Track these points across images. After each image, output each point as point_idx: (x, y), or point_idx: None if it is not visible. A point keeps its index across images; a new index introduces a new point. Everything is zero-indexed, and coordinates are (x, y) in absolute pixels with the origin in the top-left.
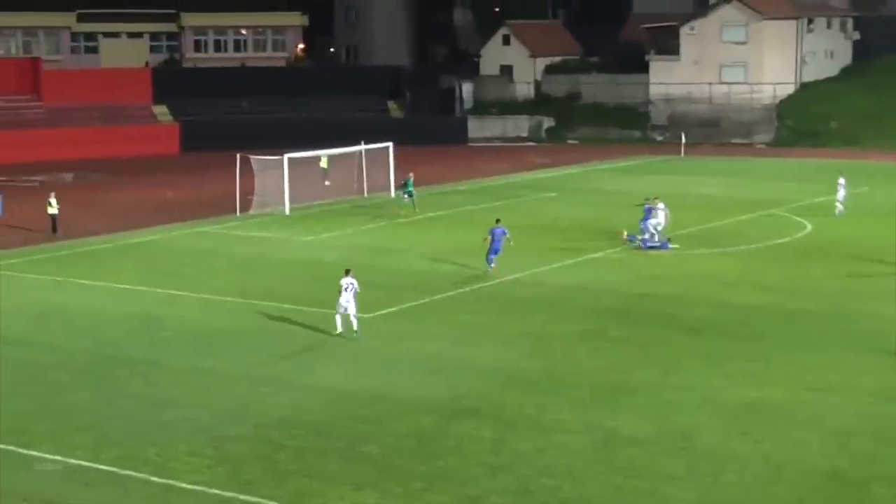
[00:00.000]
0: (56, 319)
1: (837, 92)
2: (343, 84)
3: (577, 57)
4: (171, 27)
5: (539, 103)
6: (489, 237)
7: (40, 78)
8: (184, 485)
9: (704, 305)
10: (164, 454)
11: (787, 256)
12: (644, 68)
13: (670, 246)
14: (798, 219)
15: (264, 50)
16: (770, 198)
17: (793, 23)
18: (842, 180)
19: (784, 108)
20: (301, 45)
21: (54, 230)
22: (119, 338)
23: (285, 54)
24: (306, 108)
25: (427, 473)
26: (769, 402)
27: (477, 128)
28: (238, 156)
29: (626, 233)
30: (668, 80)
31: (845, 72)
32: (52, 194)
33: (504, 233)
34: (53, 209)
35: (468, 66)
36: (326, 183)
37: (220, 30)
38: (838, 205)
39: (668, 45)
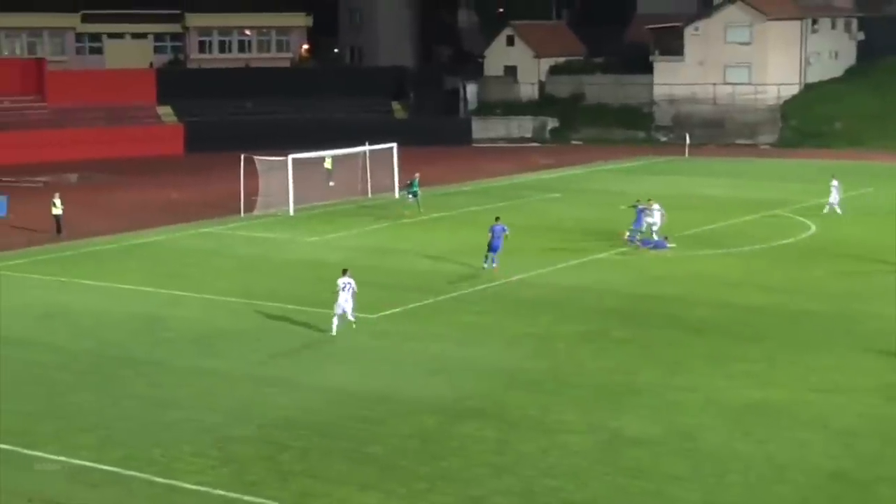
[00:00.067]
0: (60, 320)
1: (842, 92)
2: (347, 85)
3: (581, 57)
4: (175, 28)
5: (543, 104)
6: (489, 235)
7: (45, 78)
8: (188, 485)
9: (708, 306)
10: (168, 455)
11: (791, 257)
12: (648, 69)
13: (668, 245)
14: (802, 219)
15: (268, 51)
16: (774, 198)
17: (797, 23)
18: (835, 182)
19: (788, 108)
20: (305, 46)
21: (58, 231)
22: (123, 338)
23: (290, 55)
24: (310, 108)
25: (431, 474)
26: (773, 403)
27: (481, 128)
28: (242, 156)
29: (627, 233)
30: (672, 80)
31: (850, 72)
32: (57, 195)
33: (504, 230)
34: (57, 210)
35: (472, 66)
36: (331, 184)
37: (224, 30)
38: (828, 206)
39: (673, 46)
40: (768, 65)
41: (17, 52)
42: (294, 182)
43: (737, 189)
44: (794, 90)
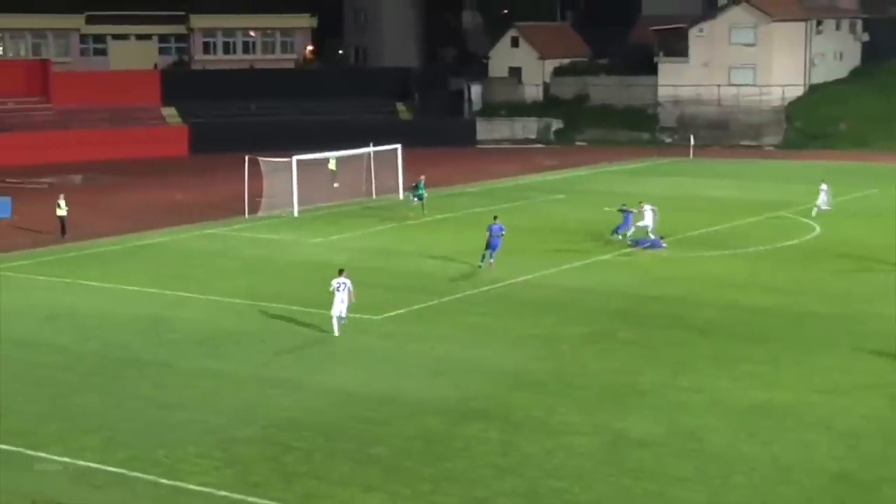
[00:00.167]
0: (65, 321)
1: (846, 94)
2: (352, 86)
3: (586, 59)
4: (179, 29)
5: (547, 105)
6: (486, 234)
7: (49, 80)
8: (192, 486)
9: (713, 307)
10: (173, 456)
11: (795, 258)
12: (653, 70)
13: (663, 244)
14: (806, 221)
15: (273, 52)
16: (779, 200)
17: (801, 24)
18: (824, 186)
19: (793, 109)
20: (310, 47)
21: (63, 232)
22: (127, 339)
23: (294, 56)
24: (315, 110)
25: (435, 475)
26: (778, 404)
27: (485, 130)
28: (247, 158)
29: (632, 229)
30: (676, 81)
31: (854, 73)
32: (61, 196)
33: (501, 229)
34: (62, 211)
35: (477, 67)
36: (335, 185)
37: (228, 32)
38: (815, 209)
39: (677, 47)
40: (773, 66)
41: (22, 53)
42: (298, 183)
43: (741, 190)
44: (799, 91)
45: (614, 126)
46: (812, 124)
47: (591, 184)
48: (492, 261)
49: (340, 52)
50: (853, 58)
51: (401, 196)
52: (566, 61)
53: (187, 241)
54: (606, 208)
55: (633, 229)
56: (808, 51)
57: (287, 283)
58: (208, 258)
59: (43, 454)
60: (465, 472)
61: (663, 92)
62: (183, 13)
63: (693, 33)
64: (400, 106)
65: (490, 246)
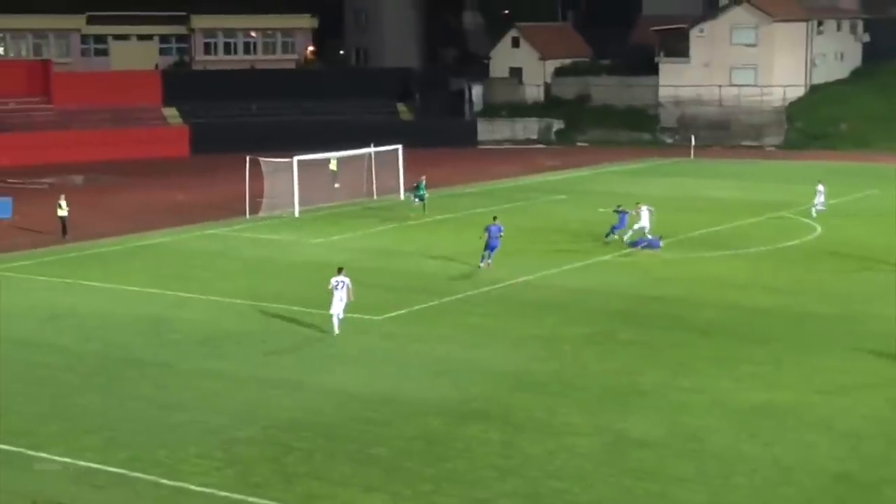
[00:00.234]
0: (66, 321)
1: (847, 94)
2: (352, 86)
3: (587, 59)
4: (180, 29)
5: (549, 106)
6: (485, 234)
7: (50, 80)
8: (193, 487)
9: (714, 308)
10: (174, 456)
11: (796, 259)
12: (654, 70)
13: (660, 244)
14: (807, 221)
15: (274, 52)
16: (780, 200)
17: (803, 25)
18: (820, 187)
19: (794, 110)
20: (311, 48)
21: (64, 232)
22: (129, 340)
23: (295, 57)
24: (316, 110)
25: (436, 476)
26: (779, 405)
27: (486, 130)
28: (248, 158)
29: (629, 232)
30: (677, 82)
31: (855, 74)
32: (62, 196)
33: (500, 230)
34: (63, 211)
35: (478, 68)
36: (336, 185)
37: (229, 32)
38: (814, 210)
39: (678, 48)
40: (774, 66)
41: (23, 53)
42: (299, 184)
43: (742, 191)
44: (800, 92)
45: (615, 126)
46: (813, 125)
47: (593, 184)
48: (490, 261)
49: (341, 52)
50: (854, 58)
51: (402, 196)
52: (567, 62)
53: (188, 242)
54: (601, 209)
55: (630, 232)
56: (809, 51)
57: (288, 284)
58: (209, 258)
59: (44, 454)
60: (466, 473)
61: (664, 92)
62: (184, 13)
63: (694, 33)
64: (401, 106)
65: (489, 246)
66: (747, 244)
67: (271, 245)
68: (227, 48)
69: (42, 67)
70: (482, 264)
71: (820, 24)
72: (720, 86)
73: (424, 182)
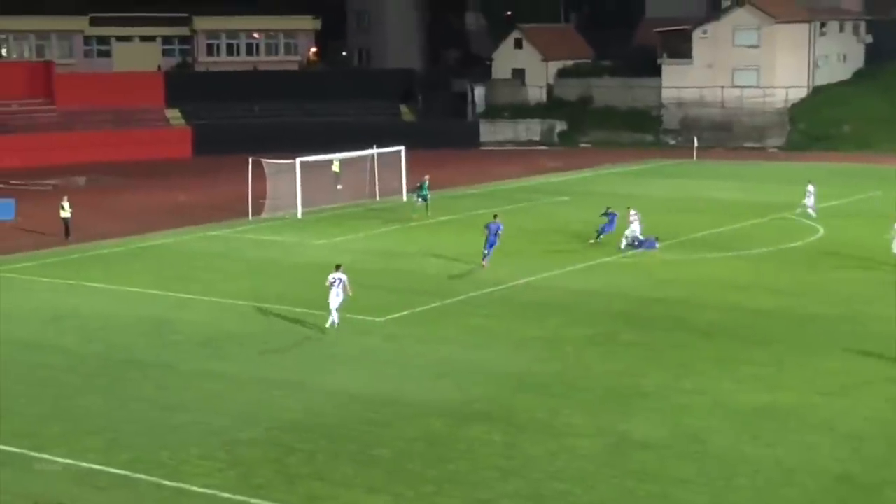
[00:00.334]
0: (68, 323)
1: (850, 95)
2: (355, 88)
3: (590, 60)
4: (183, 31)
5: (551, 107)
6: (485, 231)
7: (53, 81)
8: (195, 488)
9: (716, 309)
10: (176, 458)
11: (799, 260)
12: (656, 72)
13: (657, 245)
14: (810, 223)
15: (276, 54)
16: (782, 201)
17: (805, 26)
18: (810, 187)
19: (796, 111)
20: (313, 49)
21: (67, 233)
22: (131, 341)
23: (297, 58)
24: (318, 111)
25: (438, 477)
26: (781, 406)
27: (489, 131)
28: (250, 159)
29: (624, 242)
30: (680, 83)
31: (858, 75)
32: (65, 198)
33: (499, 228)
34: (66, 212)
35: (480, 69)
36: (338, 187)
37: (232, 33)
38: (805, 210)
39: (681, 49)
40: (776, 68)
41: (26, 55)
42: (302, 185)
43: (745, 192)
44: (803, 93)
45: (618, 128)
46: (815, 126)
47: (595, 185)
48: (485, 262)
49: (344, 53)
50: (857, 59)
51: (404, 198)
52: (570, 63)
53: (191, 243)
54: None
55: (623, 241)
56: (811, 52)
57: (290, 285)
58: (211, 260)
59: (46, 456)
60: (469, 474)
61: (667, 94)
62: (186, 15)
63: (696, 35)
64: (403, 108)
65: (488, 243)
66: (749, 245)
67: (274, 246)
68: (230, 49)
69: (45, 69)
70: (485, 263)
71: (822, 25)
72: (723, 87)
73: (428, 182)
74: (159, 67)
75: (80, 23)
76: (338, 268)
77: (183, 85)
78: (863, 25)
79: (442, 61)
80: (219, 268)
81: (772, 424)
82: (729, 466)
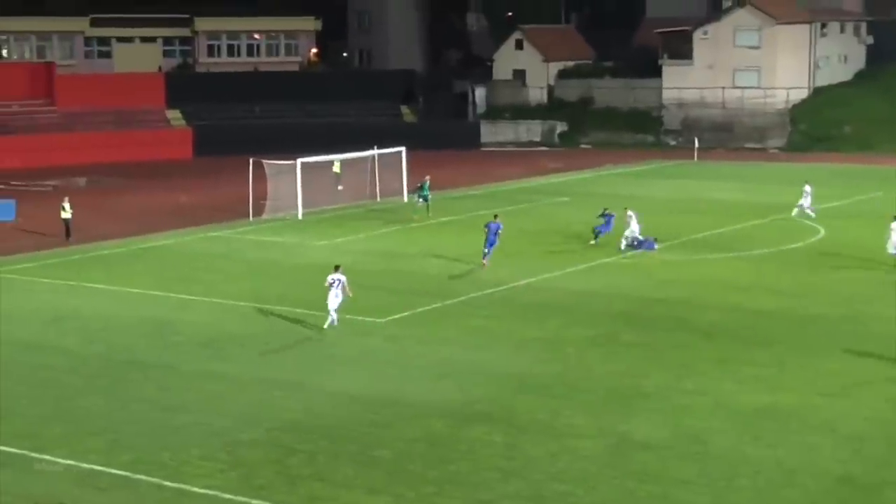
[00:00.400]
0: (69, 324)
1: (851, 96)
2: (356, 88)
3: (590, 61)
4: (184, 32)
5: (552, 108)
6: (485, 230)
7: (54, 82)
8: (196, 489)
9: (717, 310)
10: (177, 458)
11: (800, 261)
12: (657, 73)
13: (655, 246)
14: (811, 223)
15: (277, 54)
16: (783, 202)
17: (806, 27)
18: (807, 188)
19: (797, 112)
20: (314, 50)
21: (68, 234)
22: (132, 342)
23: (298, 59)
24: (319, 112)
25: (439, 478)
26: (782, 407)
27: (490, 132)
28: (251, 160)
29: (624, 242)
30: (681, 84)
31: (859, 76)
32: (66, 199)
33: (499, 227)
34: (67, 213)
35: (481, 70)
36: (339, 187)
37: (233, 34)
38: (797, 209)
39: (682, 50)
40: (777, 69)
41: (27, 55)
42: (303, 186)
43: (746, 193)
44: (804, 94)
45: (619, 128)
46: (816, 127)
47: (596, 186)
48: (485, 260)
49: (345, 54)
50: (857, 60)
51: (405, 199)
52: (570, 64)
53: (191, 244)
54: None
55: (623, 242)
56: (812, 53)
57: (291, 286)
58: (212, 261)
59: (47, 456)
60: (469, 475)
61: (668, 94)
62: (187, 16)
63: (697, 36)
64: (404, 108)
65: (488, 243)
66: (750, 246)
67: (275, 247)
68: (231, 50)
69: (45, 70)
70: (484, 261)
71: (823, 26)
72: (723, 88)
73: (428, 183)
74: (160, 68)
75: (80, 24)
76: (337, 269)
77: (184, 86)
78: (864, 26)
79: (443, 62)
80: (220, 269)
81: (773, 425)
82: (730, 467)
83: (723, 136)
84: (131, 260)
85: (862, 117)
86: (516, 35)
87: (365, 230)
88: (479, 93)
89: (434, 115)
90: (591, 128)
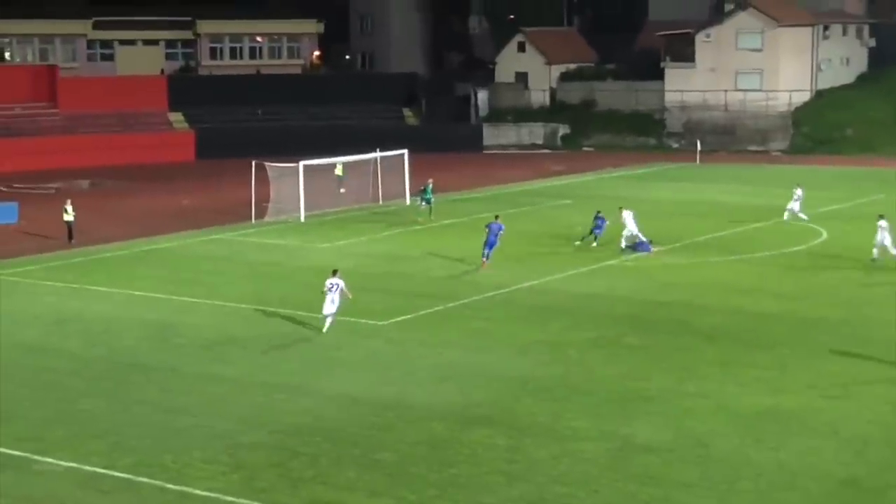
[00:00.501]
0: (71, 326)
1: (853, 99)
2: (358, 91)
3: (593, 64)
4: (186, 34)
5: (554, 110)
6: (486, 231)
7: (56, 85)
8: (198, 492)
9: (720, 313)
10: (180, 461)
11: (802, 264)
12: (659, 75)
13: (651, 248)
14: (813, 226)
15: (280, 57)
16: (785, 205)
17: (808, 30)
18: (798, 191)
19: (800, 115)
20: (316, 53)
21: (70, 237)
22: (134, 345)
23: (301, 61)
24: (322, 115)
25: (441, 481)
26: (784, 410)
27: (492, 135)
28: (253, 163)
29: (624, 243)
30: (683, 87)
31: (861, 79)
32: (68, 201)
33: (501, 228)
34: (69, 216)
35: (483, 73)
36: (342, 190)
37: (235, 37)
38: (787, 213)
39: (684, 52)
40: (780, 71)
41: (29, 58)
42: (305, 188)
43: (748, 195)
44: (806, 97)
45: (621, 131)
46: (819, 129)
47: (598, 189)
48: (486, 260)
49: (347, 57)
50: (860, 63)
51: (408, 201)
52: (573, 66)
53: (194, 247)
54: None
55: (623, 241)
56: (814, 56)
57: (294, 289)
58: (215, 263)
59: (50, 459)
60: (472, 478)
61: (670, 97)
62: (190, 19)
63: (700, 38)
64: (406, 111)
65: (488, 243)
66: (753, 249)
67: (277, 250)
68: (233, 53)
69: (48, 72)
70: (484, 261)
71: (826, 28)
72: (726, 91)
73: (431, 185)
74: (162, 71)
75: (83, 26)
76: (335, 273)
77: (186, 88)
78: (866, 29)
79: (445, 65)
80: (222, 271)
81: (775, 428)
82: (732, 470)
83: (725, 138)
84: (134, 263)
85: (864, 120)
86: (518, 38)
87: (367, 233)
88: (482, 95)
89: (436, 117)
90: (593, 130)
